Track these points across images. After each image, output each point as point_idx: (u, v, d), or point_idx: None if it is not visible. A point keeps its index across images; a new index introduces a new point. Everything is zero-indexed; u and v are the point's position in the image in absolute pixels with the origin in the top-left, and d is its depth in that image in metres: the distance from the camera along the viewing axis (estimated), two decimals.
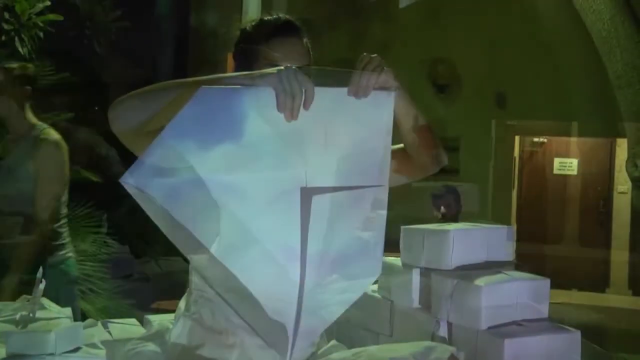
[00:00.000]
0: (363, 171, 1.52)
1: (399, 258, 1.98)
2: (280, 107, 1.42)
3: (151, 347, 1.78)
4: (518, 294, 1.69)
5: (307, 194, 1.46)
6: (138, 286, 6.55)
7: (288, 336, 1.42)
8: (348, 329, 2.17)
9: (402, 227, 1.96)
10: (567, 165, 9.79)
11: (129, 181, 1.29)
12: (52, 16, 4.20)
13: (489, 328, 1.64)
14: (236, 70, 1.77)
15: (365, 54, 1.55)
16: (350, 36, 8.68)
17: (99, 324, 2.01)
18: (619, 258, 9.63)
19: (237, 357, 1.69)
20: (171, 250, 1.53)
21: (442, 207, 5.64)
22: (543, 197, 9.90)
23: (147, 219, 1.36)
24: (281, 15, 1.84)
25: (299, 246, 1.44)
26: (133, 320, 2.12)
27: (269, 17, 1.82)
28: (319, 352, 1.81)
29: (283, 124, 1.44)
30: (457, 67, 8.92)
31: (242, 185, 1.39)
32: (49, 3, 4.23)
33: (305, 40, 1.82)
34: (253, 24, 1.82)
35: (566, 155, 9.85)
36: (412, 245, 1.90)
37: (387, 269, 2.00)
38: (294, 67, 1.47)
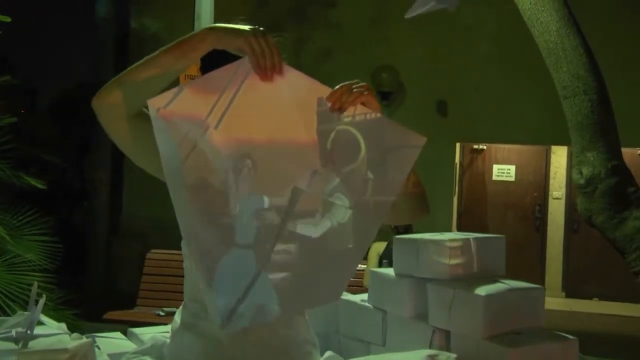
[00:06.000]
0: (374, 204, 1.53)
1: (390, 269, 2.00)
2: (254, 68, 1.45)
3: None
4: (517, 302, 1.73)
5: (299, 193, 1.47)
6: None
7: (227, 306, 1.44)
8: (336, 339, 2.17)
9: (395, 237, 1.97)
10: (505, 171, 10.04)
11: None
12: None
13: (489, 337, 1.67)
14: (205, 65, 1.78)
15: (355, 80, 1.56)
16: (294, 42, 8.68)
17: (84, 338, 1.95)
18: (553, 261, 9.95)
19: None
20: None
21: None
22: (482, 203, 10.12)
23: None
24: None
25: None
26: (118, 334, 2.07)
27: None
28: None
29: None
30: (401, 75, 9.02)
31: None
32: None
33: None
34: None
35: (504, 162, 10.10)
36: (406, 255, 1.92)
37: (379, 279, 2.01)
38: (262, 29, 1.50)
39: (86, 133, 9.63)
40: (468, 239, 1.86)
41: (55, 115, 11.60)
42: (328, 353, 1.88)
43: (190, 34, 1.55)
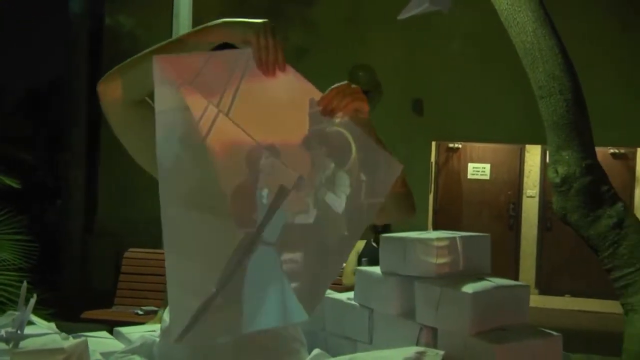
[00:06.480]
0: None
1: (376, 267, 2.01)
2: (257, 62, 1.47)
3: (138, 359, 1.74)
4: (503, 300, 1.76)
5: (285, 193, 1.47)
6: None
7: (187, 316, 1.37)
8: (322, 337, 2.18)
9: (382, 236, 1.99)
10: (480, 170, 10.13)
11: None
12: None
13: (476, 334, 1.69)
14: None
15: (346, 82, 1.57)
16: None
17: (70, 338, 1.94)
18: (526, 259, 10.08)
19: None
20: None
21: None
22: (458, 201, 10.21)
23: None
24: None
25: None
26: (104, 333, 2.06)
27: None
28: None
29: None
30: (377, 73, 9.06)
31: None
32: None
33: None
34: None
35: (479, 160, 10.19)
36: (393, 254, 1.94)
37: (365, 277, 2.03)
38: (272, 24, 1.52)
39: (60, 131, 9.52)
40: (454, 238, 1.88)
41: (29, 112, 11.46)
42: (316, 351, 1.89)
43: (202, 25, 1.58)
